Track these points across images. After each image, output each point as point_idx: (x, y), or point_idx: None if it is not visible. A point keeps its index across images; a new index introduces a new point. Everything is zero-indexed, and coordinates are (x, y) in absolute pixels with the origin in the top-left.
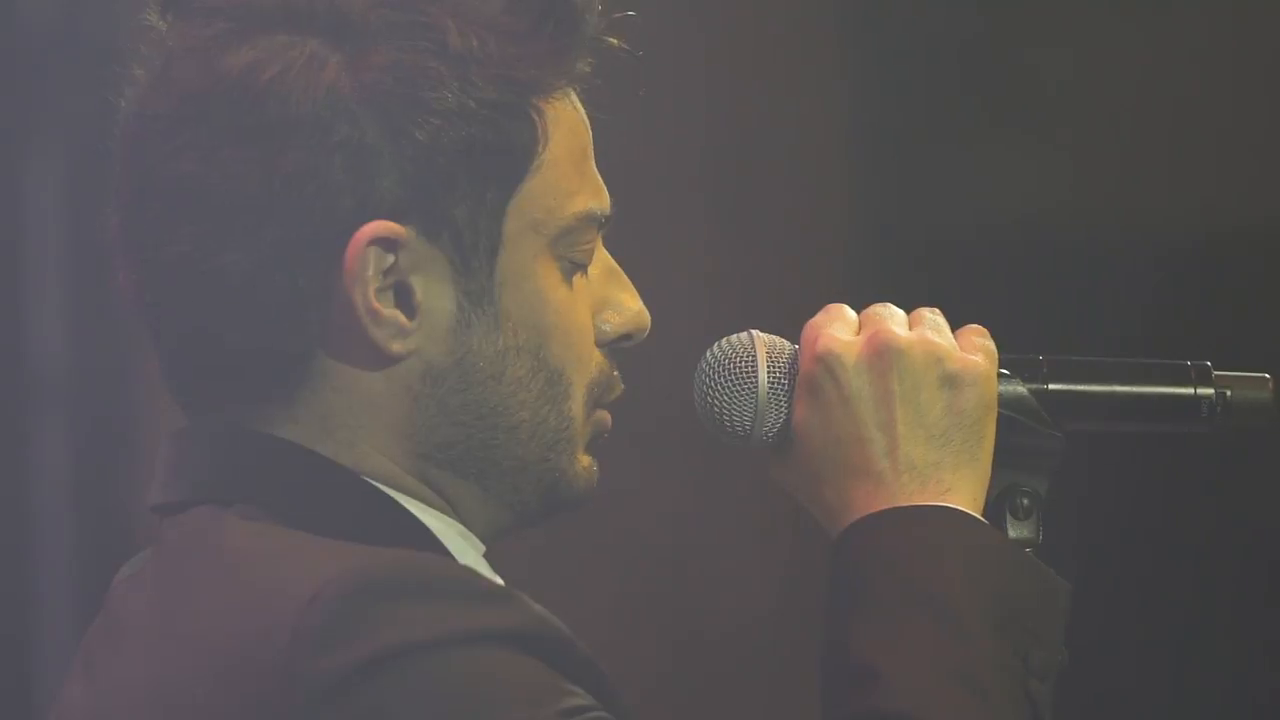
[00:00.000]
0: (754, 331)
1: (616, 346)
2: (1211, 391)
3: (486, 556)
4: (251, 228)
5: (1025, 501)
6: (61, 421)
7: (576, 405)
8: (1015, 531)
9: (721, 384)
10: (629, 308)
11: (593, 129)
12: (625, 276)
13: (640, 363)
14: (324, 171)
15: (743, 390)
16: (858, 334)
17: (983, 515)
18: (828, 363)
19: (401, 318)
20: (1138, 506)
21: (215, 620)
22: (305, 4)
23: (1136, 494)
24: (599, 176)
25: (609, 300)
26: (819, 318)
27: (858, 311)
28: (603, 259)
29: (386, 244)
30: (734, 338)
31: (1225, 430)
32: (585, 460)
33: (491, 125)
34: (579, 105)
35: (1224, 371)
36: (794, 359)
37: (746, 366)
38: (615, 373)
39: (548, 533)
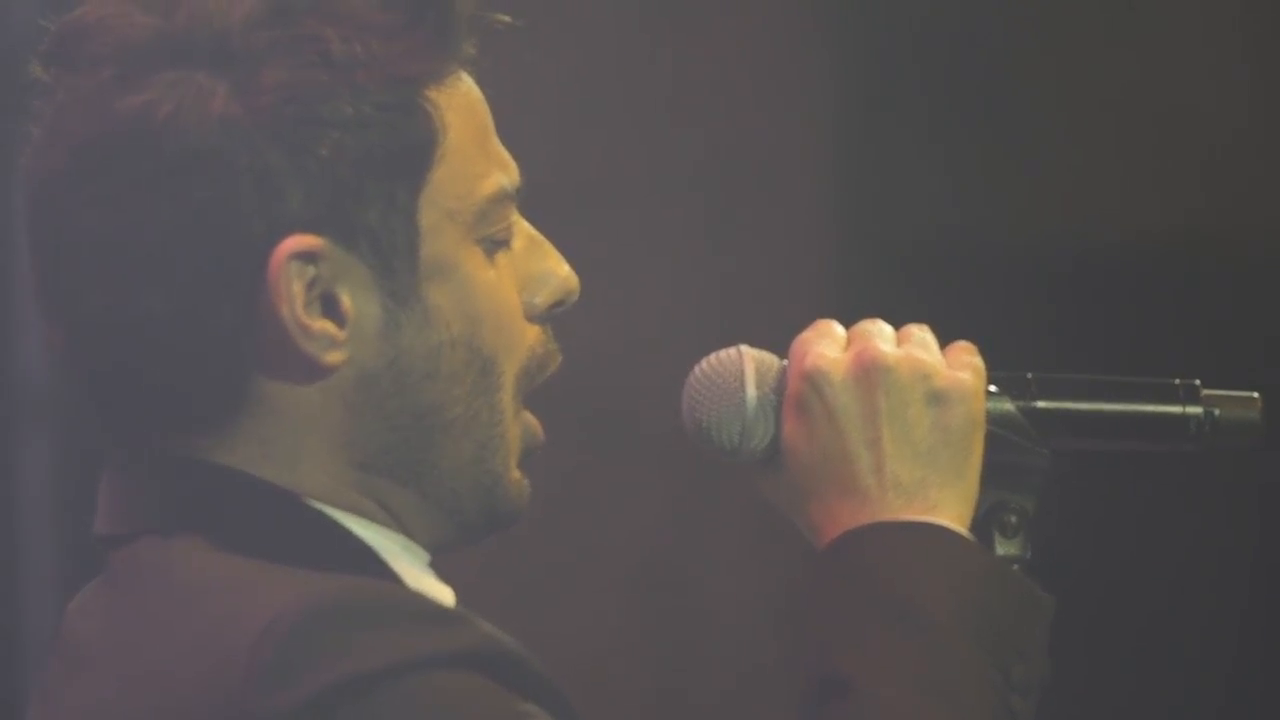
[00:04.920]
0: (743, 347)
1: (551, 315)
2: (1200, 410)
3: (432, 565)
4: (168, 269)
5: (1013, 519)
6: (46, 437)
7: (507, 396)
8: (1003, 549)
9: (710, 399)
10: (556, 274)
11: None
12: (548, 243)
13: (626, 374)
14: (231, 201)
15: (731, 406)
16: (846, 350)
17: (970, 532)
18: (815, 379)
19: (332, 328)
20: (1124, 523)
21: (168, 657)
22: (184, 37)
23: (1123, 511)
24: (504, 150)
25: (535, 272)
26: (807, 334)
27: (846, 327)
28: (523, 230)
29: (306, 256)
30: (723, 353)
31: (1213, 449)
32: (517, 474)
33: (388, 127)
34: (473, 85)
35: (1212, 390)
36: (782, 375)
37: (735, 382)
38: (553, 345)
39: (539, 541)
